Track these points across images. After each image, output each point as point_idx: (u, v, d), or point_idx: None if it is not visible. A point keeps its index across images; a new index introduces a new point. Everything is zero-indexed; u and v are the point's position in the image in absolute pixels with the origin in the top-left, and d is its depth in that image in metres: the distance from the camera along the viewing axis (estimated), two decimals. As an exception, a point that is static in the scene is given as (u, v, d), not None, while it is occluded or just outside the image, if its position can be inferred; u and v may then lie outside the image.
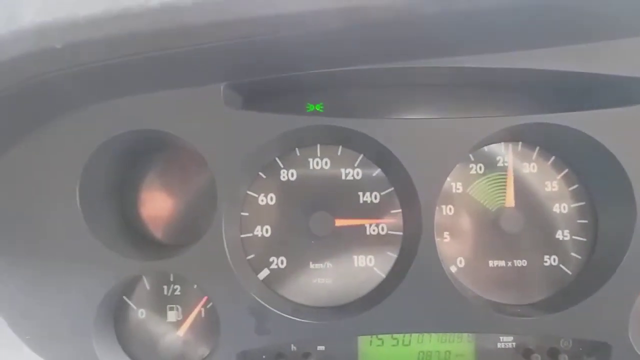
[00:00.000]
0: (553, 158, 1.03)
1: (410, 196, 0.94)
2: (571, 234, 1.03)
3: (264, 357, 0.99)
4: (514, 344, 1.03)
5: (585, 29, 0.84)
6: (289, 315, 0.92)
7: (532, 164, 1.03)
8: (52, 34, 0.60)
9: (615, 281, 0.92)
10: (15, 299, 0.88)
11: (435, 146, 0.91)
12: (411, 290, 0.92)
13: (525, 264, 1.02)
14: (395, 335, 1.03)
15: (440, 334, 1.03)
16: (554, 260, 1.03)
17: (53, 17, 0.59)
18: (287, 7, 0.61)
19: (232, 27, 0.65)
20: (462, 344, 1.03)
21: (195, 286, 0.99)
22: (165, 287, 1.01)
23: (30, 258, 0.88)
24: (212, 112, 0.87)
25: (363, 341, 1.02)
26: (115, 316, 0.98)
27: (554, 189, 1.03)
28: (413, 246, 0.94)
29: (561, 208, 1.03)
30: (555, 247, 1.03)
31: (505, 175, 1.02)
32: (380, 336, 1.02)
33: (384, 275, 1.01)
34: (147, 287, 1.00)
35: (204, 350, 0.99)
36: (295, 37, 0.69)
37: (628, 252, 0.92)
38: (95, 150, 0.86)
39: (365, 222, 1.01)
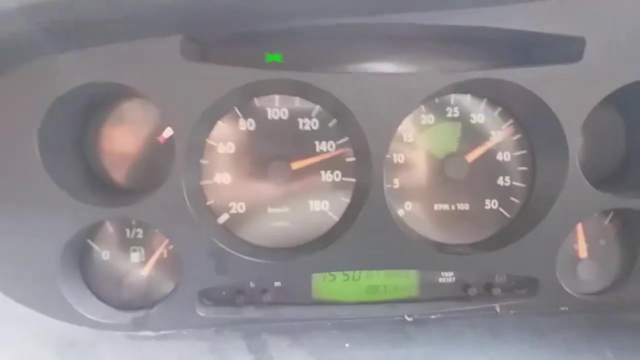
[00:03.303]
0: (499, 109, 1.08)
1: (362, 146, 0.98)
2: (512, 180, 1.10)
3: (224, 293, 1.06)
4: (453, 278, 1.13)
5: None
6: (246, 256, 0.99)
7: (480, 115, 1.08)
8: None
9: (546, 224, 1.02)
10: None
11: (386, 100, 0.95)
12: (361, 232, 1.00)
13: (467, 208, 1.10)
14: (346, 272, 1.11)
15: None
16: (494, 204, 1.11)
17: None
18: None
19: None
20: (407, 278, 1.12)
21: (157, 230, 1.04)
22: (127, 230, 1.05)
23: None
24: (168, 64, 0.88)
25: (316, 277, 1.10)
26: (80, 258, 1.03)
27: (498, 138, 1.09)
28: (364, 192, 1.00)
29: (504, 156, 1.10)
30: (496, 192, 1.10)
31: (454, 125, 1.08)
32: (332, 272, 1.10)
33: (337, 219, 1.08)
34: (110, 230, 1.04)
35: (167, 288, 1.06)
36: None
37: (558, 199, 1.00)
38: (53, 102, 0.87)
39: (320, 168, 1.06)
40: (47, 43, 0.79)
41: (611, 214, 1.14)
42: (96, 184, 1.02)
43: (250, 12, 0.83)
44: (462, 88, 1.03)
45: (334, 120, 1.05)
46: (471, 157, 1.07)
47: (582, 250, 1.12)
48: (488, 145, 1.08)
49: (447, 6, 0.89)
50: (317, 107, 1.05)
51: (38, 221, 0.92)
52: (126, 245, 1.05)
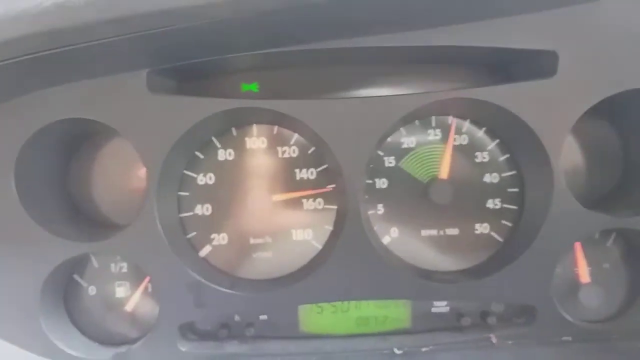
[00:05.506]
0: (484, 129, 1.05)
1: (338, 172, 0.97)
2: (502, 202, 1.06)
3: (209, 327, 1.05)
4: (447, 308, 1.08)
5: (498, 3, 0.86)
6: (226, 289, 0.98)
7: (463, 136, 1.06)
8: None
9: (537, 247, 0.97)
10: None
11: (356, 125, 0.94)
12: (342, 261, 0.97)
13: (457, 232, 1.06)
14: (333, 303, 1.08)
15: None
16: (485, 228, 1.06)
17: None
18: (171, 2, 0.63)
19: (129, 22, 0.67)
20: (398, 309, 1.08)
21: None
22: (112, 264, 1.05)
23: None
24: (135, 99, 0.89)
25: (303, 309, 1.08)
26: (67, 293, 1.04)
27: (484, 160, 1.06)
28: (345, 219, 0.98)
29: (492, 178, 1.06)
30: (487, 215, 1.06)
31: (437, 148, 1.05)
32: (319, 304, 1.07)
33: (320, 247, 1.06)
34: (96, 265, 1.05)
35: (151, 323, 1.04)
36: (195, 26, 0.71)
37: (547, 220, 0.95)
38: (26, 141, 0.90)
39: (302, 196, 1.05)
40: (14, 84, 0.82)
41: (613, 235, 1.07)
42: (78, 219, 1.04)
43: (213, 46, 0.85)
44: (439, 110, 1.01)
45: (313, 148, 1.05)
46: (443, 173, 1.02)
47: (584, 275, 1.05)
48: (448, 156, 1.03)
49: (415, 27, 0.89)
50: (296, 135, 1.05)
51: (16, 256, 0.93)
52: (111, 279, 1.06)
